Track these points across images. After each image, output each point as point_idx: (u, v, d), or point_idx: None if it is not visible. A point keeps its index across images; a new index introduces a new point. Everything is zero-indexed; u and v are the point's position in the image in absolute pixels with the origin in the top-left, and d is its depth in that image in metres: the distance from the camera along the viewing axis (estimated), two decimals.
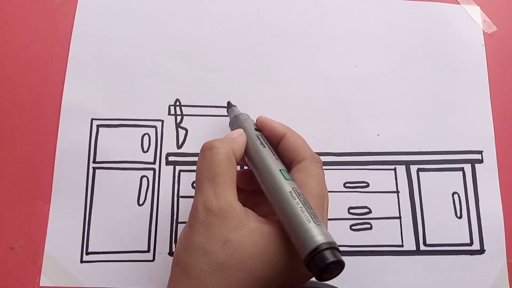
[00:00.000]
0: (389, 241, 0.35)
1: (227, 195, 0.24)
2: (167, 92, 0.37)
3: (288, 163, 0.28)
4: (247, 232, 0.23)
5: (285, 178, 0.25)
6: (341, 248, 0.34)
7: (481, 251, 0.35)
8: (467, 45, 0.40)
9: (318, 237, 0.22)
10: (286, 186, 0.25)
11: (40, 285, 0.32)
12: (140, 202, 0.34)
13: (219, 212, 0.24)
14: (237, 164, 0.27)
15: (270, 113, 0.35)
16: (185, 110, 0.37)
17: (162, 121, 0.36)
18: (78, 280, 0.33)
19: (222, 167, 0.25)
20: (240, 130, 0.29)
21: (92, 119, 0.36)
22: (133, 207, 0.34)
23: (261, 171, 0.27)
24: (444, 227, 0.36)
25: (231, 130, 0.31)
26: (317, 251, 0.21)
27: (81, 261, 0.33)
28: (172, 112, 0.37)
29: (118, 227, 0.34)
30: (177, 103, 0.37)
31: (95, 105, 0.36)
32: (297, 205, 0.23)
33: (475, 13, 0.41)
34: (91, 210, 0.34)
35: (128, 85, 0.37)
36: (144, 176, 0.35)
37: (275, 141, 0.29)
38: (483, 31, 0.41)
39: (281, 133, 0.29)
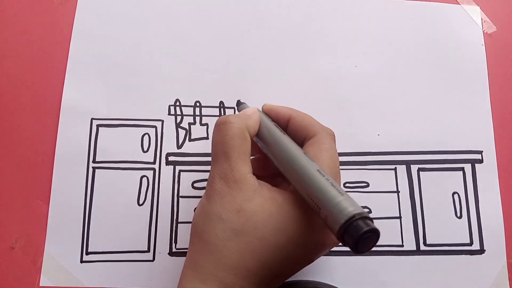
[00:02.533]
0: (389, 241, 0.35)
1: (241, 167, 0.25)
2: (167, 92, 0.37)
3: (300, 143, 0.28)
4: (261, 201, 0.24)
5: (308, 157, 0.26)
6: (341, 248, 0.34)
7: (481, 251, 0.35)
8: (467, 45, 0.40)
9: (350, 208, 0.21)
10: (312, 164, 0.25)
11: (40, 285, 0.32)
12: (140, 202, 0.34)
13: (234, 183, 0.25)
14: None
15: None
16: (185, 110, 0.37)
17: (162, 121, 0.36)
18: (78, 280, 0.33)
19: (236, 141, 0.26)
20: (254, 109, 0.29)
21: (92, 119, 0.36)
22: (133, 207, 0.34)
23: (282, 153, 0.27)
24: (444, 227, 0.36)
25: None
26: (351, 221, 0.21)
27: (81, 261, 0.33)
28: (172, 112, 0.37)
29: (118, 227, 0.34)
30: (177, 103, 0.37)
31: (95, 105, 0.36)
32: (327, 181, 0.23)
33: (475, 13, 0.41)
34: (91, 210, 0.34)
35: (128, 85, 0.37)
36: (144, 176, 0.35)
37: (283, 124, 0.30)
38: (483, 31, 0.41)
39: (287, 115, 0.29)
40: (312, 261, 0.27)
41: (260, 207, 0.24)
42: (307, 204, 0.24)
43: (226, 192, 0.25)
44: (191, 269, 0.25)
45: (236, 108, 0.36)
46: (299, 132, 0.29)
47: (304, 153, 0.26)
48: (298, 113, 0.30)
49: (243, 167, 0.25)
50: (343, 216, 0.21)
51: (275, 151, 0.27)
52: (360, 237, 0.20)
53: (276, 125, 0.29)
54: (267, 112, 0.31)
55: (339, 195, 0.22)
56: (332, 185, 0.23)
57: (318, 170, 0.24)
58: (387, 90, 0.39)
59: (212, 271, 0.24)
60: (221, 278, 0.23)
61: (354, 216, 0.21)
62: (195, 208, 0.34)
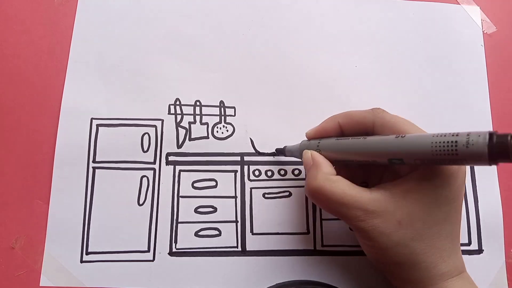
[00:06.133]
0: None
1: (365, 200, 0.27)
2: (167, 92, 0.37)
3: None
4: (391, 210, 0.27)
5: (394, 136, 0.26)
6: (340, 248, 0.34)
7: (479, 251, 0.35)
8: (466, 45, 0.40)
9: (479, 133, 0.22)
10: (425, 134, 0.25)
11: (40, 285, 0.32)
12: (140, 202, 0.35)
13: (373, 213, 0.26)
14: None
15: (270, 113, 0.35)
16: (185, 110, 0.37)
17: (162, 121, 0.36)
18: (78, 280, 0.33)
19: (336, 192, 0.27)
20: (309, 156, 0.30)
21: (92, 119, 0.36)
22: (133, 207, 0.34)
23: (380, 146, 0.27)
24: None
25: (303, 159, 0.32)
26: (492, 137, 0.21)
27: (81, 261, 0.33)
28: (172, 111, 0.37)
29: (118, 227, 0.34)
30: (177, 103, 0.37)
31: (95, 104, 0.36)
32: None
33: (475, 13, 0.41)
34: (91, 210, 0.34)
35: (128, 84, 0.37)
36: (144, 176, 0.35)
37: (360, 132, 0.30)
38: (483, 31, 0.41)
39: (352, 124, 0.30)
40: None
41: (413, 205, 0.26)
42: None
43: (373, 223, 0.26)
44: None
45: (281, 154, 0.36)
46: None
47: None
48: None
49: (364, 196, 0.27)
50: (484, 136, 0.21)
51: (365, 154, 0.27)
52: (510, 141, 0.21)
53: (335, 138, 0.30)
54: (316, 135, 0.32)
55: (456, 134, 0.23)
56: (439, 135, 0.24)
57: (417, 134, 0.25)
58: (387, 90, 0.39)
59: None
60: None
61: (491, 133, 0.21)
62: (195, 208, 0.35)
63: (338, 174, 0.29)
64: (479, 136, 0.22)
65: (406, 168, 0.28)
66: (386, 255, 0.27)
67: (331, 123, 0.31)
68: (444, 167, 0.26)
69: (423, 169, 0.26)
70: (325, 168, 0.28)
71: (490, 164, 0.22)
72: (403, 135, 0.25)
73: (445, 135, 0.23)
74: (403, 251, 0.26)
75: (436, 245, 0.27)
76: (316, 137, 0.32)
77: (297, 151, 0.33)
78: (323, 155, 0.30)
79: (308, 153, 0.30)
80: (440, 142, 0.23)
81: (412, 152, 0.24)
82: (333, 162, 0.29)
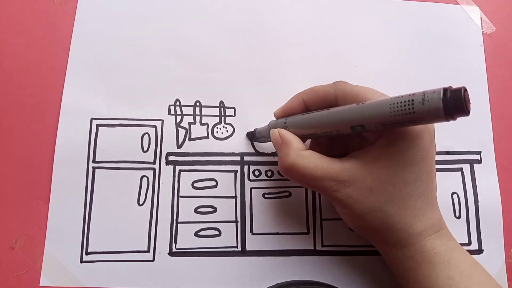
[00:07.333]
0: None
1: (337, 171, 0.28)
2: (167, 92, 0.37)
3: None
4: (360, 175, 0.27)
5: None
6: (340, 248, 0.34)
7: (480, 251, 0.35)
8: (466, 45, 0.40)
9: (433, 90, 0.22)
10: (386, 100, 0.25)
11: (40, 285, 0.32)
12: (140, 202, 0.35)
13: (345, 182, 0.27)
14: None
15: (270, 113, 0.35)
16: (185, 110, 0.37)
17: (162, 121, 0.36)
18: (78, 280, 0.33)
19: (309, 168, 0.28)
20: (276, 133, 0.31)
21: (92, 119, 0.36)
22: (133, 207, 0.34)
23: (334, 117, 0.28)
24: None
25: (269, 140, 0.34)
26: (446, 92, 0.22)
27: (81, 261, 0.33)
28: (172, 111, 0.37)
29: (118, 227, 0.34)
30: (177, 103, 0.37)
31: (95, 104, 0.36)
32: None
33: (474, 13, 0.41)
34: (91, 210, 0.34)
35: (128, 85, 0.37)
36: (144, 176, 0.35)
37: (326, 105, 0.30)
38: (482, 31, 0.41)
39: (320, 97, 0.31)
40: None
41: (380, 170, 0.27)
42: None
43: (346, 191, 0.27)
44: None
45: (253, 137, 0.36)
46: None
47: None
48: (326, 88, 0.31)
49: (335, 166, 0.28)
50: (438, 92, 0.22)
51: (328, 125, 0.28)
52: (464, 94, 0.22)
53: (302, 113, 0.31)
54: (283, 114, 0.32)
55: (412, 94, 0.23)
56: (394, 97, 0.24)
57: (371, 101, 0.26)
58: (387, 90, 0.38)
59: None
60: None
61: (445, 89, 0.22)
62: (195, 208, 0.35)
63: (312, 149, 0.30)
64: (434, 92, 0.22)
65: (374, 136, 0.29)
66: (363, 221, 0.28)
67: (295, 100, 0.31)
68: (408, 129, 0.26)
69: (388, 134, 0.27)
70: (295, 144, 0.29)
71: (447, 119, 0.22)
72: (363, 102, 0.26)
73: (402, 96, 0.24)
74: (378, 215, 0.27)
75: (409, 206, 0.27)
76: (284, 116, 0.32)
77: (266, 131, 0.33)
78: (291, 131, 0.30)
79: (275, 132, 0.31)
80: (397, 103, 0.24)
81: (372, 116, 0.25)
82: (302, 137, 0.30)
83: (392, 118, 0.24)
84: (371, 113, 0.25)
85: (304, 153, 0.29)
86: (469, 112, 0.22)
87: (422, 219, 0.28)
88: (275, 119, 0.33)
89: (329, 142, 0.32)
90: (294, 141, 0.29)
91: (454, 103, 0.22)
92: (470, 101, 0.22)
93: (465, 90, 0.22)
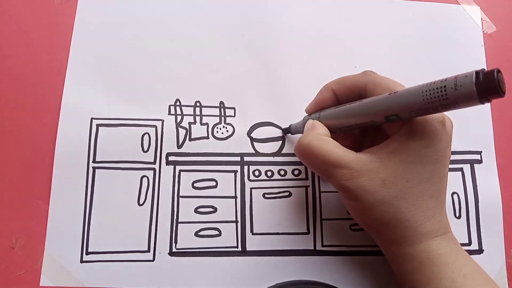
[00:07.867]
0: None
1: (351, 159, 0.28)
2: (167, 92, 0.37)
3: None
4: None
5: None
6: (340, 248, 0.34)
7: (480, 251, 0.35)
8: (466, 45, 0.40)
9: (465, 74, 0.22)
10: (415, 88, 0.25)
11: (40, 285, 0.32)
12: (140, 202, 0.35)
13: (358, 172, 0.27)
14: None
15: (270, 112, 0.35)
16: (185, 110, 0.37)
17: (162, 121, 0.36)
18: (78, 280, 0.33)
19: (323, 149, 0.28)
20: (309, 122, 0.31)
21: (92, 119, 0.36)
22: (133, 207, 0.34)
23: (374, 106, 0.27)
24: None
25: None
26: (478, 75, 0.21)
27: (81, 261, 0.33)
28: (172, 112, 0.37)
29: (118, 227, 0.34)
30: (177, 103, 0.37)
31: (95, 104, 0.36)
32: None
33: (475, 13, 0.41)
34: (91, 210, 0.34)
35: (128, 85, 0.37)
36: (144, 176, 0.35)
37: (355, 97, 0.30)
38: (483, 31, 0.41)
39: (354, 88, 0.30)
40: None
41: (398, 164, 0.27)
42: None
43: (360, 183, 0.27)
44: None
45: (288, 133, 0.36)
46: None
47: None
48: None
49: (350, 156, 0.28)
50: (470, 76, 0.21)
51: (363, 115, 0.28)
52: (497, 76, 0.21)
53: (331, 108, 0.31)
54: (315, 108, 0.32)
55: (444, 80, 0.23)
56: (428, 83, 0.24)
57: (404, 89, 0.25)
58: None
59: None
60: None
61: (477, 72, 0.21)
62: (195, 208, 0.35)
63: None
64: (466, 76, 0.22)
65: (394, 131, 0.29)
66: (371, 214, 0.28)
67: (325, 92, 0.31)
68: (427, 129, 0.26)
69: (407, 130, 0.27)
70: (320, 130, 0.30)
71: (482, 102, 0.22)
72: (395, 91, 0.26)
73: (434, 83, 0.23)
74: (387, 209, 0.27)
75: (420, 204, 0.27)
76: (316, 110, 0.32)
77: (301, 126, 0.33)
78: (324, 123, 0.31)
79: (310, 121, 0.31)
80: (430, 90, 0.23)
81: (406, 104, 0.25)
82: (335, 130, 0.30)
83: (426, 105, 0.24)
84: (405, 101, 0.25)
85: (323, 137, 0.29)
86: (504, 93, 0.21)
87: (431, 220, 0.27)
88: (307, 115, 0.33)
89: (355, 142, 0.33)
90: (320, 127, 0.30)
91: (487, 86, 0.21)
92: (505, 82, 0.22)
93: (499, 71, 0.21)
